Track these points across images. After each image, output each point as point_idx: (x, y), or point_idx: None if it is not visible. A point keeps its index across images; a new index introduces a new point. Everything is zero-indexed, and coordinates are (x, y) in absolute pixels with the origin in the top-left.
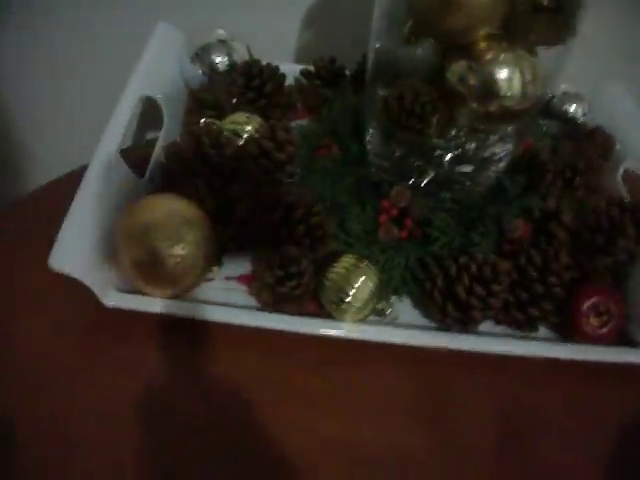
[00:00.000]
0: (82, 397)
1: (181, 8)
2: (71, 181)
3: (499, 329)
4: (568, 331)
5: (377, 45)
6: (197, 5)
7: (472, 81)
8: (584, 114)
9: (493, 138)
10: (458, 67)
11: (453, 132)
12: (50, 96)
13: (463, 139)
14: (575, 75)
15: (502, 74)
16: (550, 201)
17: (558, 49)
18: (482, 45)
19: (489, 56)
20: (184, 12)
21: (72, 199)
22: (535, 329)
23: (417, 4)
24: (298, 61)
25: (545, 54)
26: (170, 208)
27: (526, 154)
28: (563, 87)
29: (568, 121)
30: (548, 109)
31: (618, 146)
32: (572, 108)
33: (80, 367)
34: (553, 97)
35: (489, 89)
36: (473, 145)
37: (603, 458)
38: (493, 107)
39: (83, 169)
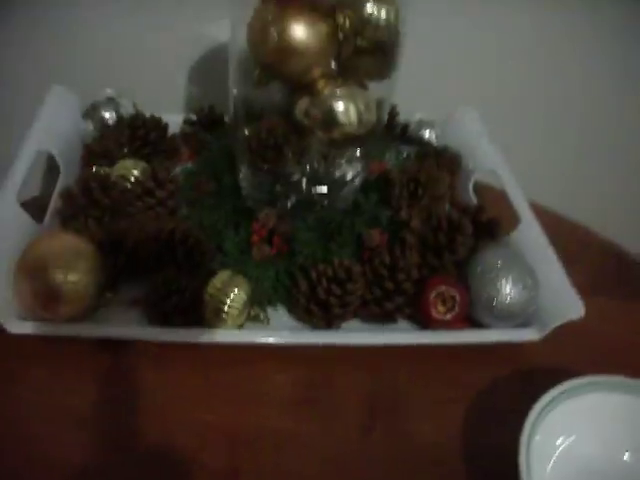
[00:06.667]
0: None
1: (72, 70)
2: None
3: (366, 327)
4: (421, 320)
5: (235, 92)
6: (87, 68)
7: (315, 114)
8: (437, 137)
9: (341, 161)
10: (303, 103)
11: (306, 159)
12: None
13: (315, 164)
14: (432, 103)
15: (339, 106)
16: (402, 212)
17: (385, 82)
18: (320, 83)
19: (327, 92)
20: (76, 74)
21: None
22: (394, 320)
23: (260, 53)
24: (182, 111)
25: (375, 86)
26: (62, 242)
27: (380, 176)
28: (419, 115)
29: (424, 145)
30: (406, 136)
31: (469, 163)
32: (427, 133)
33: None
34: (409, 125)
35: (330, 119)
36: (324, 169)
37: (459, 425)
38: (336, 134)
39: None
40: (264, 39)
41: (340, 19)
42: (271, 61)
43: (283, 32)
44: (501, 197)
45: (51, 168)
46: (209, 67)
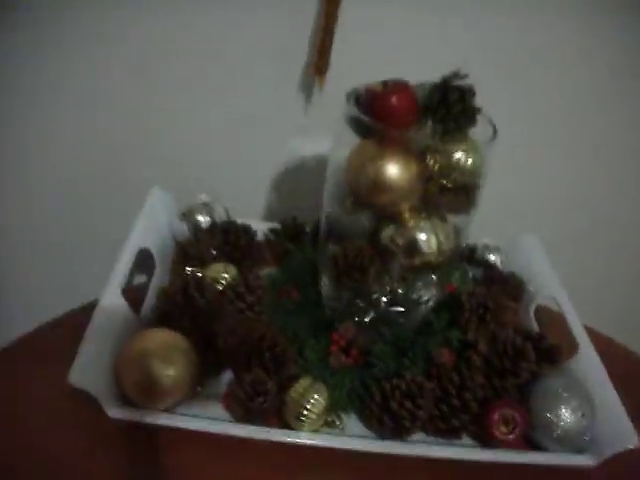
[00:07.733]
0: None
1: (173, 173)
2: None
3: (430, 439)
4: (484, 438)
5: (329, 210)
6: (187, 171)
7: (400, 241)
8: (502, 261)
9: (418, 284)
10: (389, 231)
11: (387, 280)
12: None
13: (395, 285)
14: (496, 230)
15: (422, 236)
16: (470, 334)
17: (463, 216)
18: (406, 215)
19: (412, 223)
20: (173, 177)
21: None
22: (458, 437)
23: (355, 185)
24: (267, 219)
25: (454, 220)
26: (163, 339)
27: (450, 296)
28: (485, 240)
29: (489, 267)
30: (473, 258)
31: (530, 287)
32: (492, 257)
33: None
34: (476, 248)
35: (413, 247)
36: (403, 290)
37: None
38: (417, 261)
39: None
40: (360, 174)
41: (430, 162)
42: (364, 193)
43: (379, 170)
44: (559, 320)
45: (144, 260)
46: (296, 180)
